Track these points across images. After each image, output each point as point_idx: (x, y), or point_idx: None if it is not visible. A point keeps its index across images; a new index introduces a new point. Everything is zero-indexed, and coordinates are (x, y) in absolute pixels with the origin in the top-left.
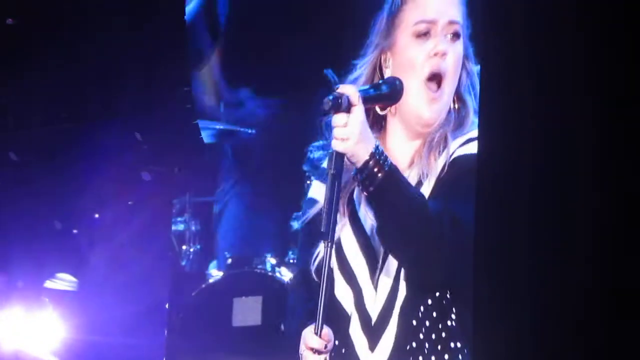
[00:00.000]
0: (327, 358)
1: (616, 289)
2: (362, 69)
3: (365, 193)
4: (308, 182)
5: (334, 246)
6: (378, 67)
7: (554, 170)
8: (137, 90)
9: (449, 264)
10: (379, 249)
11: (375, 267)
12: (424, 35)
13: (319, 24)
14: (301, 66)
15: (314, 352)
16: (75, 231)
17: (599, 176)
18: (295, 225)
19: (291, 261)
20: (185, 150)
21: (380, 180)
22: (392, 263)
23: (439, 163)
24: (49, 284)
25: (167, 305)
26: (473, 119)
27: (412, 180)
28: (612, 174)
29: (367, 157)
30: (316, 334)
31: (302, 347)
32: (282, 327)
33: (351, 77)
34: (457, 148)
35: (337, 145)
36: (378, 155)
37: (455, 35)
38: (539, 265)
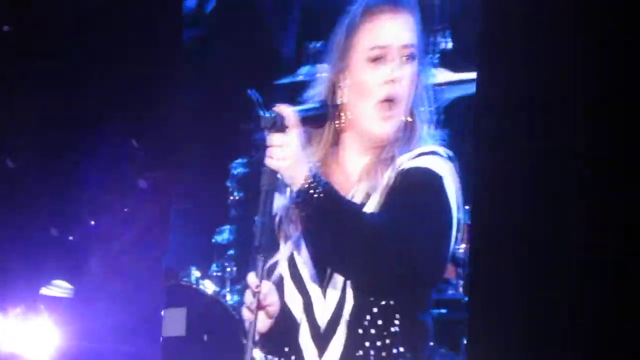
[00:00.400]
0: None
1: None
2: (319, 87)
3: (305, 214)
4: (231, 197)
5: (268, 258)
6: (333, 87)
7: (547, 173)
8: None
9: (393, 273)
10: None
11: (323, 276)
12: (378, 60)
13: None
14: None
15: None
16: (71, 238)
17: (593, 180)
18: (219, 239)
19: (214, 274)
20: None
21: (316, 204)
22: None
23: (386, 176)
24: (44, 290)
25: (162, 313)
26: (421, 133)
27: (361, 193)
28: (606, 177)
29: (302, 181)
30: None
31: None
32: (205, 338)
33: (307, 94)
34: (405, 162)
35: (272, 164)
36: (312, 178)
37: (410, 58)
38: (532, 268)
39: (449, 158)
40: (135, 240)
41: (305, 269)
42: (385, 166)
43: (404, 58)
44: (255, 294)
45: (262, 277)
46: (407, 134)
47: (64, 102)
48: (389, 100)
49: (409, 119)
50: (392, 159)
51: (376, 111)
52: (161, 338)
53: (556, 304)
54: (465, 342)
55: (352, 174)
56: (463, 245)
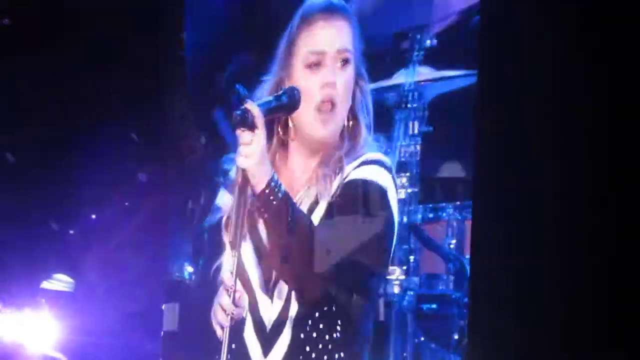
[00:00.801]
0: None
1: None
2: (264, 92)
3: (260, 218)
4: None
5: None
6: (276, 92)
7: (547, 171)
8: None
9: (333, 283)
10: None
11: (270, 278)
12: (315, 65)
13: None
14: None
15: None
16: (71, 232)
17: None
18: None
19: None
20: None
21: (275, 209)
22: None
23: (334, 185)
24: (45, 284)
25: (163, 307)
26: (366, 137)
27: (310, 199)
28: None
29: (263, 186)
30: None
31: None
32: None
33: (256, 99)
34: (351, 171)
35: (241, 162)
36: (274, 184)
37: (345, 62)
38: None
39: (389, 168)
40: (135, 234)
41: (252, 268)
42: (333, 174)
43: (339, 63)
44: (231, 294)
45: (235, 275)
46: (351, 137)
47: (64, 96)
48: (327, 104)
49: (352, 123)
50: (340, 166)
51: (315, 115)
52: (162, 332)
53: (557, 303)
54: (456, 337)
55: (300, 177)
56: (454, 241)
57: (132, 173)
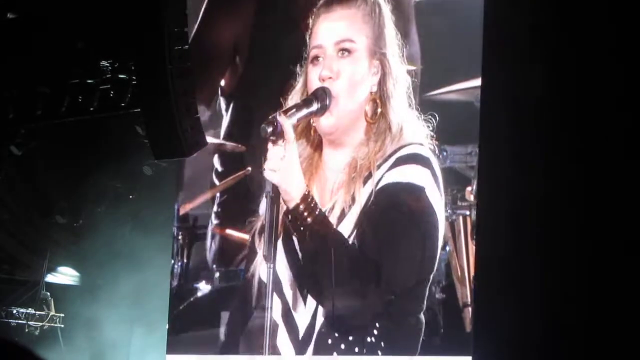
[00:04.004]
0: None
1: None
2: (295, 94)
3: (294, 231)
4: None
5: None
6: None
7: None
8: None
9: (369, 295)
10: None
11: (302, 288)
12: (316, 60)
13: None
14: None
15: None
16: (77, 224)
17: (595, 181)
18: None
19: None
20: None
21: (310, 224)
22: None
23: (364, 192)
24: (51, 277)
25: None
26: (397, 131)
27: (337, 210)
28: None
29: (297, 202)
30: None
31: None
32: None
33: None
34: (384, 173)
35: (270, 176)
36: (310, 200)
37: (346, 51)
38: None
39: (427, 160)
40: (141, 225)
41: (286, 279)
42: (361, 180)
43: (340, 53)
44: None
45: (271, 290)
46: (378, 135)
47: (69, 90)
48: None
49: (375, 115)
50: (369, 170)
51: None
52: (166, 326)
53: (558, 302)
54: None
55: (333, 178)
56: None
57: (137, 165)
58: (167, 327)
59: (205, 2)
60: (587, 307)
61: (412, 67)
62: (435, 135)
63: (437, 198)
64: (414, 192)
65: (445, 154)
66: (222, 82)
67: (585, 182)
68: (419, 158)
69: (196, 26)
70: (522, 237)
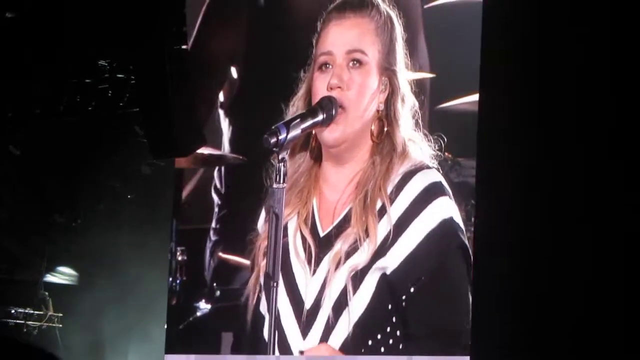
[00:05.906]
0: None
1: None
2: (297, 101)
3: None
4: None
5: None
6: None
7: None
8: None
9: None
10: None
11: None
12: (325, 67)
13: None
14: None
15: None
16: (75, 224)
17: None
18: None
19: None
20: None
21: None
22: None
23: (380, 229)
24: (49, 277)
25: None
26: (402, 151)
27: (349, 238)
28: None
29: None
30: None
31: None
32: None
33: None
34: (395, 199)
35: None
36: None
37: (357, 62)
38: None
39: (438, 184)
40: (139, 225)
41: (286, 301)
42: (374, 210)
43: (351, 63)
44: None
45: (273, 309)
46: (385, 156)
47: (67, 89)
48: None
49: (381, 134)
50: (381, 202)
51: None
52: (165, 325)
53: (558, 302)
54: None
55: (336, 197)
56: None
57: (135, 165)
58: (165, 327)
59: (201, 15)
60: (587, 307)
61: (427, 75)
62: (446, 147)
63: (461, 222)
64: (452, 230)
65: (458, 167)
66: (221, 94)
67: (585, 184)
68: (438, 188)
69: (192, 40)
70: (522, 237)
